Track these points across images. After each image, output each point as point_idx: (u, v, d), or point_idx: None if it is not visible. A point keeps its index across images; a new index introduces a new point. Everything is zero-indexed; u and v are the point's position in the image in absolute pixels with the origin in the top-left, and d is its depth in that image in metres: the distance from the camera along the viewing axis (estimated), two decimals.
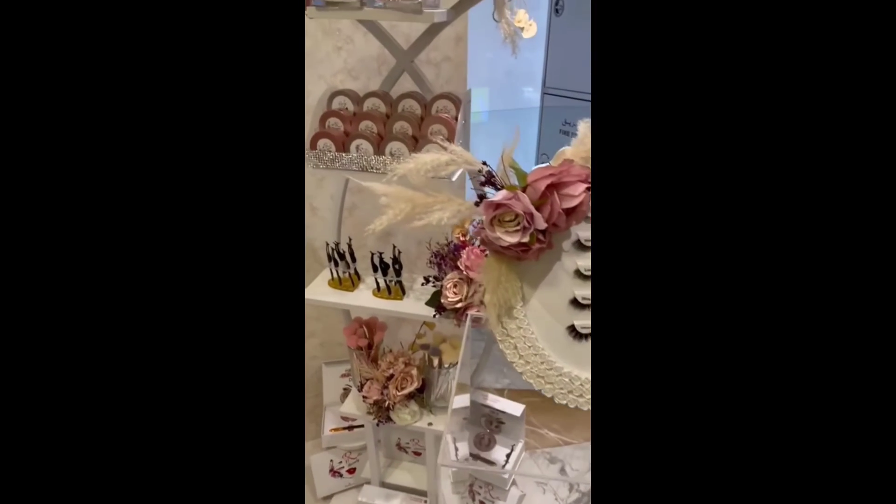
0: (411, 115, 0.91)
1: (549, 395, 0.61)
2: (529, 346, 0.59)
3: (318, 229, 1.44)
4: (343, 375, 1.59)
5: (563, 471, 1.53)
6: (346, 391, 1.57)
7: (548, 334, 0.61)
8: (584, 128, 0.57)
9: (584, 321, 0.63)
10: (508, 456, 1.32)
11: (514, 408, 1.33)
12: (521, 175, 0.54)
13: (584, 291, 0.63)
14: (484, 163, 0.49)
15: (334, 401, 1.56)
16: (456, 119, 0.88)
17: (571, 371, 0.63)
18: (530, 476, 1.33)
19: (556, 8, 2.51)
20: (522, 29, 0.81)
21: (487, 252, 0.52)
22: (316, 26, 1.26)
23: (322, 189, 1.41)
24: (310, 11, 0.81)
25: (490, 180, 0.51)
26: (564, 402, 0.63)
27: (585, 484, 1.18)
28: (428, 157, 0.50)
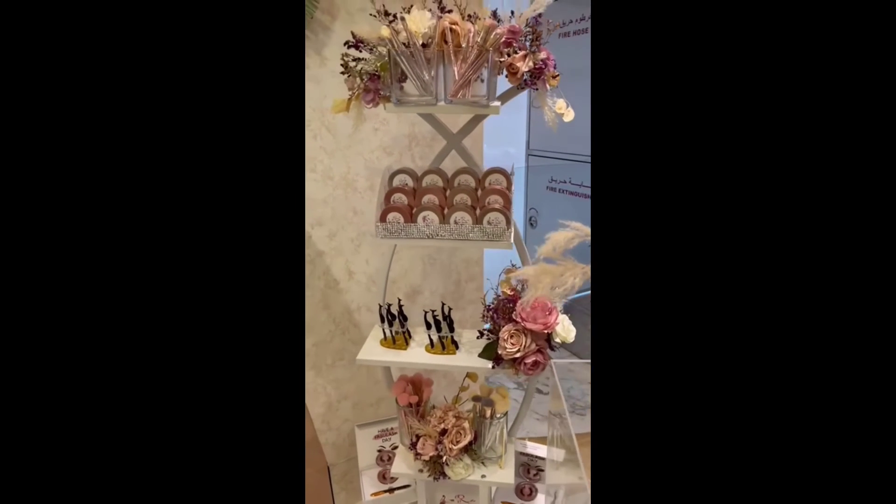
0: (468, 187, 1.04)
1: None
2: None
3: (355, 292, 1.51)
4: (376, 437, 1.60)
5: None
6: (381, 453, 1.58)
7: None
8: None
9: None
10: None
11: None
12: None
13: None
14: None
15: (370, 464, 1.56)
16: (508, 189, 1.01)
17: None
18: None
19: None
20: (563, 115, 0.97)
21: None
22: (356, 108, 1.40)
23: (358, 255, 1.49)
24: (389, 107, 0.94)
25: None
26: None
27: None
28: (561, 236, 0.61)
